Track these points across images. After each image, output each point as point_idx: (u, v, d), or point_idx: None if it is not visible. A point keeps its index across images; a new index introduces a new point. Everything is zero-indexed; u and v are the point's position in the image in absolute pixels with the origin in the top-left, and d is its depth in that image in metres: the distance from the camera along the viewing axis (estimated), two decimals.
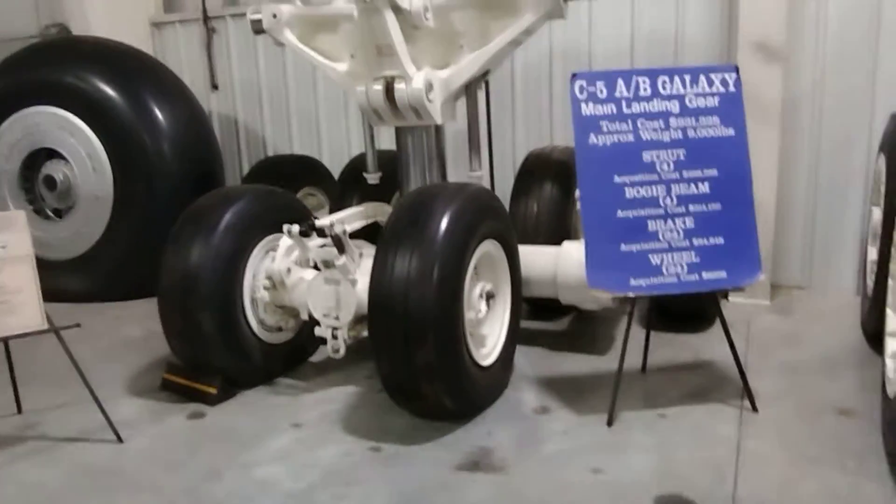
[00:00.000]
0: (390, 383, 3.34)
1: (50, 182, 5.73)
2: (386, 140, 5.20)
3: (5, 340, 3.46)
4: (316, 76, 6.51)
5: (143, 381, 4.16)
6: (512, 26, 4.00)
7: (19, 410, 3.82)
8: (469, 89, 4.30)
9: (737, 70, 3.61)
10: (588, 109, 3.47)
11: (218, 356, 3.76)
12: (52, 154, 5.76)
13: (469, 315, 3.41)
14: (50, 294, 3.64)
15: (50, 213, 5.93)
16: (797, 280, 5.30)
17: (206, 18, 6.82)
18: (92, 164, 5.59)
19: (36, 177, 5.87)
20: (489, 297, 3.60)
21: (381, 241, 3.30)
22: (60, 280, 5.51)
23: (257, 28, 4.60)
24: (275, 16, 4.45)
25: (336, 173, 5.61)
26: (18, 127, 5.73)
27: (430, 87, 3.97)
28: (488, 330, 3.72)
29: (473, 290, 3.50)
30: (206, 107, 6.70)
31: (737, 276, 3.50)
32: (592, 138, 3.46)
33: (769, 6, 4.67)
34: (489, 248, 3.59)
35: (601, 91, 3.49)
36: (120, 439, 3.45)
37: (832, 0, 4.85)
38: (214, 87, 6.97)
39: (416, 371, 3.17)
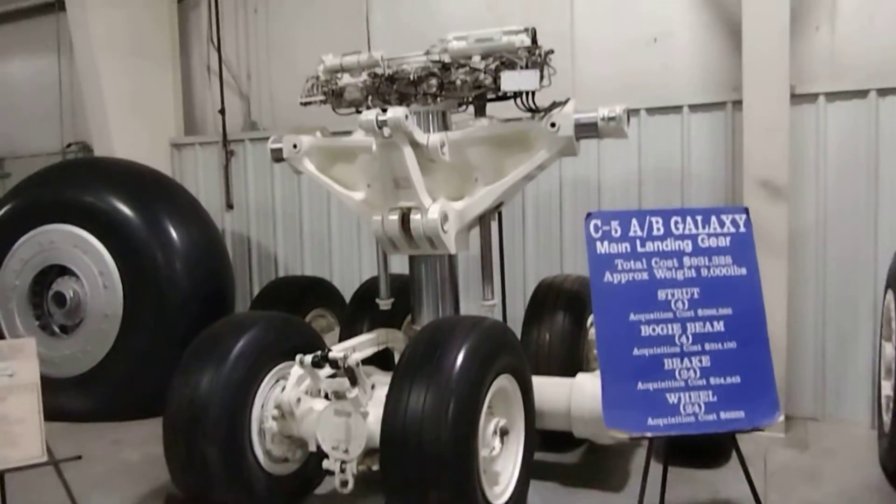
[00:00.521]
0: None
1: (59, 299, 5.73)
2: (397, 263, 5.25)
3: (1, 474, 3.35)
4: (330, 200, 6.66)
5: None
6: (526, 162, 4.13)
7: None
8: (482, 220, 4.38)
9: (747, 212, 3.70)
10: (603, 248, 3.54)
11: (221, 490, 3.64)
12: (63, 271, 5.80)
13: (483, 452, 3.34)
14: (49, 413, 3.55)
15: (56, 330, 5.89)
16: (810, 412, 5.23)
17: (225, 141, 7.08)
18: (103, 281, 5.62)
19: (45, 292, 5.88)
20: (503, 433, 3.53)
21: (396, 376, 3.27)
22: (61, 399, 5.39)
23: (277, 156, 4.75)
24: (295, 146, 4.61)
25: (347, 296, 5.62)
26: (33, 244, 5.80)
27: (445, 218, 4.06)
28: (501, 467, 3.62)
29: (488, 427, 3.44)
30: (220, 225, 6.83)
31: (755, 416, 3.45)
32: (608, 276, 3.50)
33: (771, 147, 4.84)
34: (504, 384, 3.56)
35: (615, 230, 3.56)
36: None
37: (831, 143, 5.05)
38: (229, 206, 7.13)
39: None
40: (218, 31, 7.16)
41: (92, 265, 5.64)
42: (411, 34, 5.98)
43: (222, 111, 7.04)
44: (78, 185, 5.83)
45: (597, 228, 3.57)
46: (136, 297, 5.59)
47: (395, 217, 4.06)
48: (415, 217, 4.02)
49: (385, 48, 4.43)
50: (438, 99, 4.21)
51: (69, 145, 7.94)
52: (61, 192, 5.85)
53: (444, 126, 4.35)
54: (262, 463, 3.79)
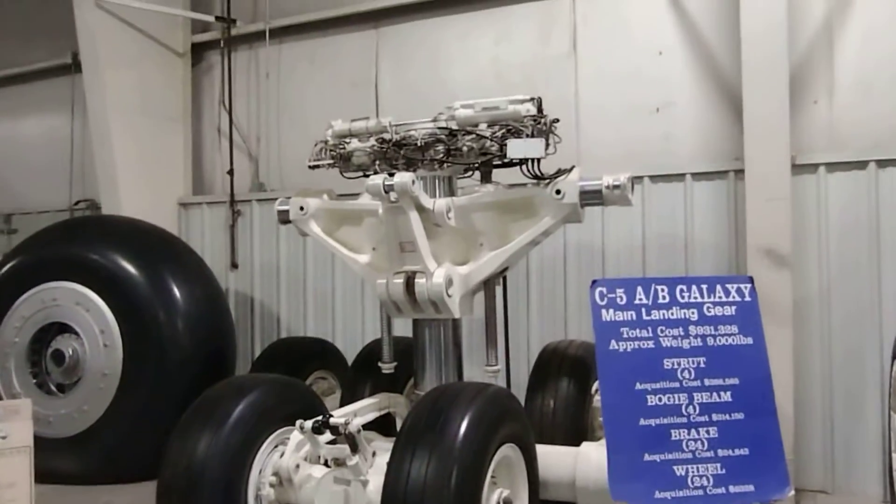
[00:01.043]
0: None
1: (58, 357, 5.67)
2: (400, 326, 5.22)
3: None
4: (334, 261, 6.67)
5: None
6: (531, 228, 4.14)
7: None
8: (487, 284, 4.37)
9: (751, 280, 3.70)
10: (608, 315, 3.53)
11: None
12: (63, 328, 5.76)
13: None
14: (40, 475, 3.47)
15: (53, 388, 5.81)
16: (820, 484, 5.11)
17: (232, 201, 7.15)
18: (104, 340, 5.57)
19: (44, 350, 5.82)
20: None
21: (398, 443, 3.21)
22: (53, 460, 5.27)
23: (283, 218, 4.78)
24: (302, 209, 4.64)
25: (349, 357, 5.58)
26: (35, 301, 5.78)
27: (450, 282, 4.05)
28: None
29: (491, 498, 3.34)
30: (224, 285, 6.84)
31: (765, 490, 3.38)
32: (613, 344, 3.48)
33: (774, 216, 4.89)
34: (508, 453, 3.48)
35: (621, 298, 3.56)
36: None
37: (833, 212, 5.09)
38: (234, 266, 7.15)
39: None
40: (230, 94, 7.32)
41: (93, 323, 5.60)
42: (419, 100, 6.13)
43: (231, 172, 7.14)
44: (83, 242, 5.85)
45: (602, 296, 3.56)
46: (136, 355, 5.53)
47: (399, 280, 4.05)
48: (419, 281, 4.01)
49: (393, 113, 4.51)
50: (445, 165, 4.26)
51: (77, 203, 8.03)
52: (66, 250, 5.87)
53: (451, 191, 4.38)
54: None
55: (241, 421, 3.63)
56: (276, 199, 4.91)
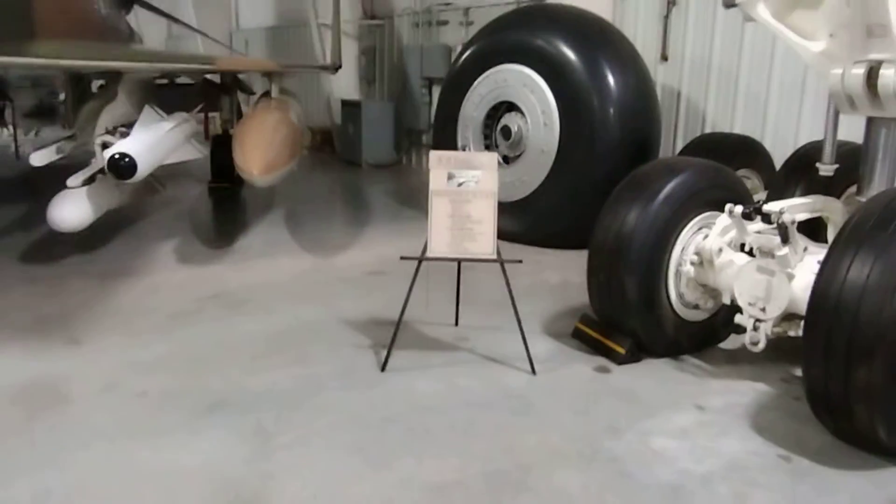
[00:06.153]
0: (816, 395, 3.07)
1: (506, 132, 6.47)
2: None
3: (459, 261, 4.06)
4: (774, 55, 6.12)
5: (558, 325, 4.52)
6: None
7: (456, 323, 4.47)
8: None
9: None
10: None
11: (633, 319, 3.90)
12: (511, 107, 6.47)
13: None
14: None
15: (499, 159, 6.69)
16: None
17: None
18: (544, 119, 6.15)
19: (495, 125, 6.69)
20: None
21: (838, 241, 3.02)
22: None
23: (728, 2, 4.47)
24: None
25: (776, 158, 5.25)
26: (490, 81, 6.57)
27: None
28: None
29: None
30: (652, 76, 6.81)
31: None
32: None
33: None
34: None
35: None
36: (534, 372, 3.81)
37: None
38: (664, 58, 7.03)
39: (852, 389, 2.87)
40: None
41: (536, 104, 6.19)
42: None
43: None
44: (531, 29, 6.33)
45: None
46: (570, 136, 6.02)
47: (860, 71, 3.60)
48: (886, 72, 3.52)
49: None
50: None
51: None
52: (516, 36, 6.43)
53: None
54: (674, 304, 3.94)
55: (670, 198, 3.79)
56: None
